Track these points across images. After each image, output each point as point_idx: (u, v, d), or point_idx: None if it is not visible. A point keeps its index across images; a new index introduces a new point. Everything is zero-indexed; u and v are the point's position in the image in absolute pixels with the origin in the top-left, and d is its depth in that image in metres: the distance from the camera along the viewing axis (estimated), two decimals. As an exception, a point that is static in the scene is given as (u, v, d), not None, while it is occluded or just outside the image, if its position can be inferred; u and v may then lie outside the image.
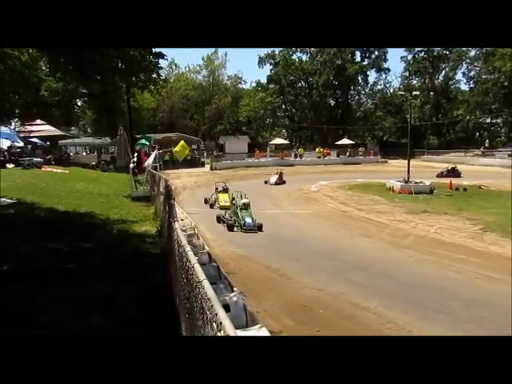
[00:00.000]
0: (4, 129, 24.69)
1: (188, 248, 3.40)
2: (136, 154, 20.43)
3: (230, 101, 57.18)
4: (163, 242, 7.44)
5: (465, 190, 20.10)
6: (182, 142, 22.40)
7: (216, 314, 1.98)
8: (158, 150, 22.38)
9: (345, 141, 48.82)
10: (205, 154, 42.24)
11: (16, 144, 24.66)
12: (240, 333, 2.10)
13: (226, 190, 16.90)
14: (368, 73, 59.19)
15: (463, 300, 6.85)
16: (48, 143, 31.58)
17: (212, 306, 2.08)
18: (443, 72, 56.68)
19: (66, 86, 29.34)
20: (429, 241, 11.02)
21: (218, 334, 1.90)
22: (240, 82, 62.44)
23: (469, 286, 7.64)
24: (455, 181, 21.86)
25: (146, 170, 17.43)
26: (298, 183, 24.12)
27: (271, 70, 59.38)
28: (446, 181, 21.30)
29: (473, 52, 51.97)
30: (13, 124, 34.23)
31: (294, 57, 59.53)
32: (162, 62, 11.02)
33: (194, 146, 44.07)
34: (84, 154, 42.00)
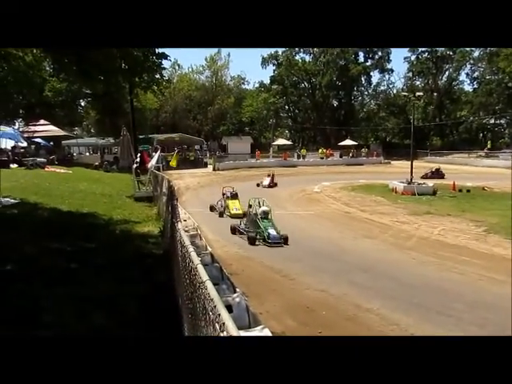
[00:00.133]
0: (8, 129, 24.75)
1: (191, 248, 3.40)
2: (139, 155, 20.47)
3: (233, 101, 57.20)
4: (166, 242, 7.44)
5: (468, 191, 20.05)
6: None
7: (219, 315, 1.98)
8: (161, 151, 22.43)
9: (348, 142, 48.78)
10: (207, 155, 42.29)
11: (19, 144, 24.75)
12: (242, 334, 2.10)
13: (235, 196, 15.20)
14: (371, 73, 59.12)
15: (466, 302, 6.83)
16: (51, 143, 31.67)
17: (215, 306, 2.08)
18: (447, 73, 56.59)
19: (69, 86, 29.44)
20: (432, 242, 10.99)
21: (221, 335, 1.90)
22: (243, 83, 62.47)
23: (472, 287, 7.61)
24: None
25: (149, 171, 17.46)
26: (301, 184, 24.10)
27: (274, 70, 59.41)
28: (449, 182, 21.25)
29: (476, 52, 51.94)
30: (16, 124, 34.40)
31: (297, 57, 59.54)
32: (165, 63, 11.07)
33: (197, 147, 44.18)
34: (87, 154, 42.08)
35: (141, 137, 35.28)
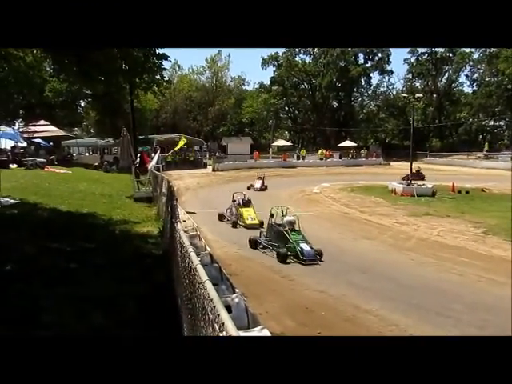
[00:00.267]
0: (8, 129, 24.77)
1: (190, 249, 3.40)
2: (139, 155, 20.49)
3: (233, 102, 57.23)
4: (165, 242, 7.44)
5: (467, 192, 20.06)
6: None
7: (218, 315, 1.98)
8: (161, 151, 22.43)
9: (347, 143, 48.80)
10: (207, 155, 42.30)
11: (19, 144, 24.78)
12: (241, 334, 2.10)
13: (248, 204, 13.69)
14: (371, 75, 59.19)
15: (465, 303, 6.83)
16: (51, 144, 31.66)
17: (214, 306, 2.09)
18: (446, 74, 56.66)
19: (69, 86, 29.42)
20: (431, 243, 10.99)
21: (221, 335, 1.91)
22: (243, 84, 62.57)
23: (471, 288, 7.61)
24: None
25: (149, 171, 17.47)
26: (300, 185, 24.11)
27: (274, 71, 59.43)
28: (449, 183, 21.27)
29: (476, 54, 52.07)
30: (16, 124, 34.41)
31: (297, 58, 59.60)
32: (166, 64, 11.06)
33: (197, 148, 44.18)
34: (87, 154, 42.03)
35: (141, 137, 35.28)
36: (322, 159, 42.24)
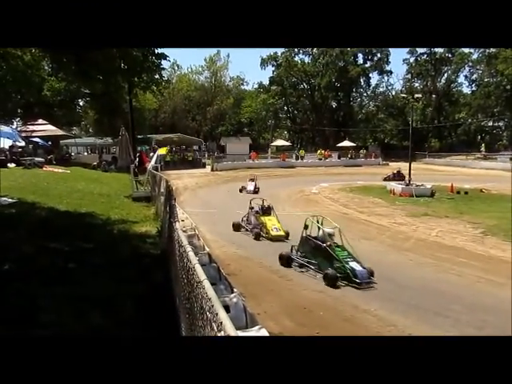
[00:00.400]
0: (6, 128, 24.73)
1: (189, 248, 3.40)
2: (138, 155, 20.47)
3: (232, 102, 57.28)
4: (163, 242, 7.44)
5: (466, 193, 20.10)
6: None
7: (216, 314, 1.98)
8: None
9: (346, 143, 48.85)
10: (206, 155, 42.32)
11: (18, 143, 24.71)
12: (240, 334, 2.10)
13: (268, 211, 11.99)
14: (370, 75, 59.43)
15: (464, 304, 6.84)
16: (49, 143, 31.64)
17: (212, 306, 2.08)
18: (445, 75, 56.85)
19: (68, 85, 29.39)
20: (429, 244, 11.00)
21: (219, 335, 1.90)
22: (242, 84, 62.63)
23: (470, 289, 7.62)
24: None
25: (147, 171, 17.45)
26: (299, 185, 24.12)
27: (273, 71, 59.53)
28: (448, 184, 21.30)
29: (475, 55, 52.22)
30: (15, 123, 34.33)
31: (297, 58, 59.77)
32: (165, 63, 11.06)
33: (196, 147, 44.19)
34: (85, 154, 42.04)
35: (139, 137, 35.28)
36: (320, 159, 42.30)
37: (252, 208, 12.43)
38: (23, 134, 27.74)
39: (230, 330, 1.80)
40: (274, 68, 59.43)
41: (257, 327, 3.87)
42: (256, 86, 62.10)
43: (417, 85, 57.93)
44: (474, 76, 54.17)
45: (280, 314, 6.48)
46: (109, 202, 14.11)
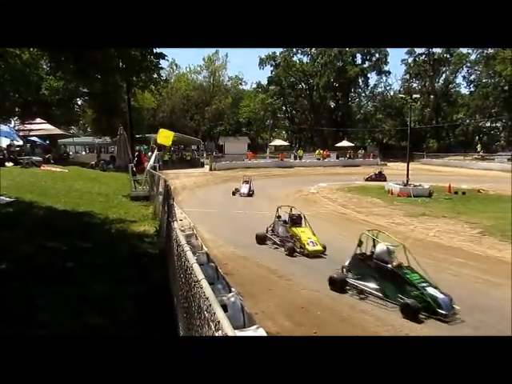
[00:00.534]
0: (4, 127, 24.67)
1: (187, 247, 3.40)
2: (136, 154, 20.46)
3: (231, 102, 57.19)
4: (162, 241, 7.44)
5: (463, 193, 20.16)
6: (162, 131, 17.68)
7: (214, 314, 1.98)
8: (158, 150, 22.35)
9: (344, 143, 48.87)
10: (204, 155, 42.29)
11: (15, 142, 24.67)
12: (237, 333, 2.11)
13: (299, 221, 10.45)
14: (369, 75, 59.50)
15: (462, 304, 6.84)
16: (47, 142, 31.57)
17: (210, 305, 2.09)
18: (444, 75, 56.92)
19: (66, 84, 29.33)
20: (427, 244, 11.03)
21: (216, 334, 1.91)
22: (240, 83, 62.52)
23: (467, 289, 7.64)
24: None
25: (146, 170, 17.44)
26: (298, 185, 24.15)
27: (272, 71, 59.56)
28: (445, 184, 21.35)
29: (473, 56, 52.28)
30: (12, 122, 34.20)
31: (295, 58, 59.81)
32: (163, 63, 11.03)
33: (194, 147, 44.15)
34: (83, 153, 41.99)
35: (138, 136, 35.21)
36: (319, 159, 42.37)
37: (279, 217, 10.91)
38: (21, 133, 27.66)
39: (228, 330, 1.81)
40: (272, 68, 59.53)
41: (254, 327, 3.88)
42: (254, 85, 62.16)
43: (415, 85, 58.02)
44: (472, 77, 54.30)
45: (277, 314, 6.50)
46: (107, 201, 14.10)
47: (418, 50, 55.47)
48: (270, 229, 10.88)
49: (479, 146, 46.90)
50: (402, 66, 59.49)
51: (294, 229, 10.11)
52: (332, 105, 61.03)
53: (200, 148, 44.89)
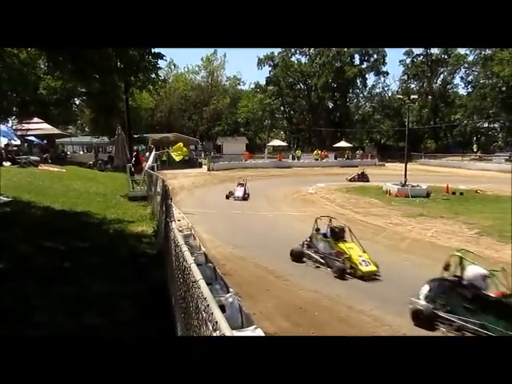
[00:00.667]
0: (1, 127, 24.61)
1: (185, 248, 3.40)
2: (134, 154, 20.43)
3: (229, 102, 57.16)
4: (160, 242, 7.43)
5: (461, 194, 20.19)
6: (180, 144, 19.54)
7: (212, 314, 1.98)
8: (156, 150, 22.31)
9: (342, 143, 48.90)
10: (202, 155, 42.25)
11: (13, 142, 24.62)
12: (235, 334, 2.11)
13: (341, 235, 9.03)
14: (367, 76, 59.48)
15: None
16: (45, 142, 31.50)
17: (208, 305, 2.09)
18: (441, 76, 57.01)
19: (64, 84, 29.30)
20: (425, 244, 11.05)
21: (214, 334, 1.91)
22: (239, 83, 62.52)
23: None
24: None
25: (144, 170, 17.42)
26: (296, 185, 24.14)
27: (270, 71, 59.50)
28: (443, 184, 21.39)
29: (471, 56, 52.40)
30: (10, 122, 34.14)
31: (293, 59, 59.77)
32: (161, 63, 11.06)
33: (192, 147, 44.10)
34: (81, 153, 41.88)
35: (136, 136, 35.18)
36: (317, 160, 42.34)
37: (318, 230, 9.43)
38: (19, 133, 27.58)
39: (226, 330, 1.81)
40: (270, 68, 59.48)
41: (252, 327, 3.88)
42: (253, 85, 62.18)
43: (413, 86, 58.10)
44: (470, 77, 54.40)
45: (275, 314, 6.49)
46: (105, 201, 14.08)
47: (416, 51, 55.59)
48: (306, 243, 9.47)
49: (475, 146, 47.03)
50: (400, 67, 59.61)
51: (340, 244, 8.67)
52: (330, 105, 61.03)
53: (198, 148, 44.86)
